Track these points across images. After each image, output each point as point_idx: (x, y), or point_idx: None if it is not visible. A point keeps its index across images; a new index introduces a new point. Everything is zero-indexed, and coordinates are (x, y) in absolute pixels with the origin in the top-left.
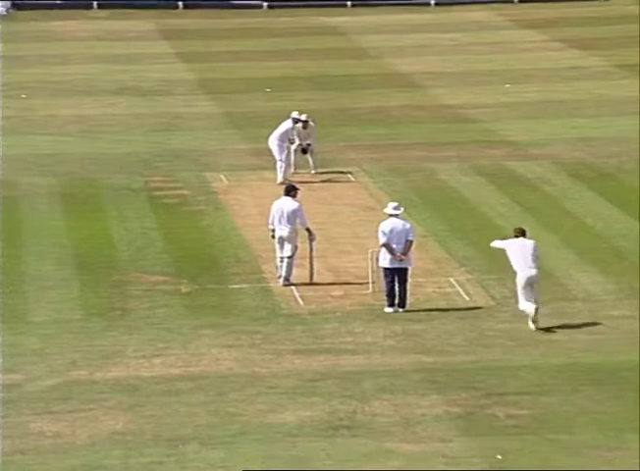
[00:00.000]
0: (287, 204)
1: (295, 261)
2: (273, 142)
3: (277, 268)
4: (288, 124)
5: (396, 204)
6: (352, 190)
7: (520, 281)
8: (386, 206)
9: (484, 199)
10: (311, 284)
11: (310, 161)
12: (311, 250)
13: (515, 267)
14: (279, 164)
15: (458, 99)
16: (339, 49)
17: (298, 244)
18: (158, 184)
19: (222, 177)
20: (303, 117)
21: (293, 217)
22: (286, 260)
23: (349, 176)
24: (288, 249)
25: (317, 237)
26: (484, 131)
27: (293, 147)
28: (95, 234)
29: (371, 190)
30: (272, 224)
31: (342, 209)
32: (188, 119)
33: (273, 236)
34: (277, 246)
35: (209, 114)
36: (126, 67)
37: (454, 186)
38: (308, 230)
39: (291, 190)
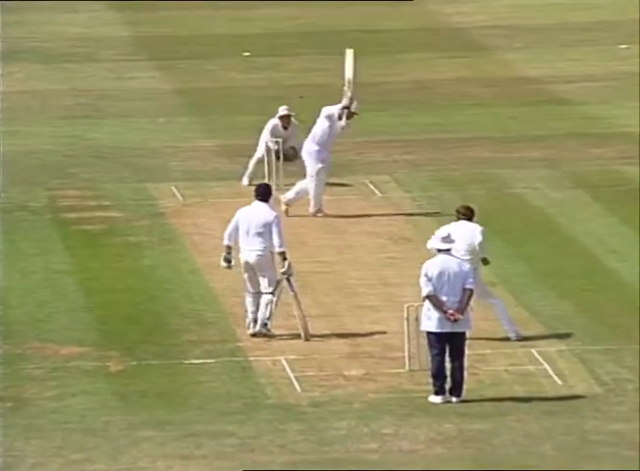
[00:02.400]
0: (258, 213)
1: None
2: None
3: (246, 311)
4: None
5: (446, 234)
6: (378, 211)
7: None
8: (431, 237)
9: (586, 226)
10: (308, 339)
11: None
12: (294, 291)
13: None
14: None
15: (545, 68)
16: None
17: (278, 276)
18: (72, 202)
19: (174, 190)
20: (283, 108)
21: (266, 232)
22: (265, 297)
23: (373, 188)
24: (265, 282)
25: (294, 271)
26: (586, 119)
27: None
28: None
29: (407, 211)
30: (229, 239)
31: (361, 240)
32: (121, 99)
33: (227, 260)
34: (244, 276)
35: (154, 91)
36: (22, 17)
37: (539, 205)
38: (284, 255)
39: (264, 192)
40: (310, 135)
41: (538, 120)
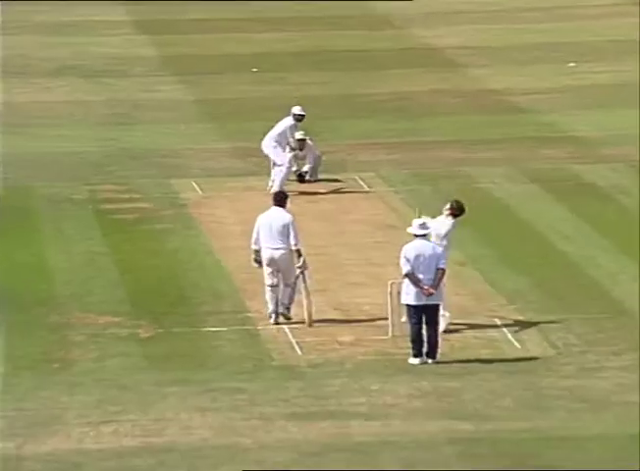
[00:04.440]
0: (276, 217)
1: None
2: (268, 146)
3: (267, 303)
4: (287, 121)
5: (422, 221)
6: (366, 203)
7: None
8: (410, 224)
9: (540, 215)
10: (310, 325)
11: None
12: (305, 282)
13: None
14: (277, 169)
15: (506, 82)
16: (348, 17)
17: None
18: (109, 195)
19: (194, 185)
20: (299, 134)
21: (285, 232)
22: (287, 288)
23: (362, 183)
24: (287, 276)
25: (309, 267)
26: (540, 125)
27: (291, 166)
28: (26, 261)
29: (390, 203)
30: (256, 243)
31: (351, 227)
32: (150, 108)
33: (257, 261)
34: (266, 271)
35: (177, 101)
36: (67, 39)
37: (501, 198)
38: (299, 252)
39: (281, 199)
40: (270, 136)
41: (499, 125)
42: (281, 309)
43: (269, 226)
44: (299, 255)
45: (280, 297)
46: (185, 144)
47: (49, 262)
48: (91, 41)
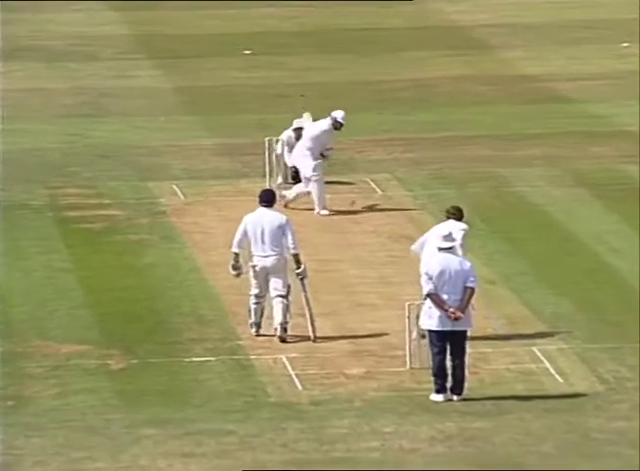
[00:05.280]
0: (268, 218)
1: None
2: (299, 155)
3: (249, 312)
4: (323, 125)
5: (447, 232)
6: (379, 210)
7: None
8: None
9: (586, 224)
10: (315, 340)
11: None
12: (305, 293)
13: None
14: (311, 184)
15: (545, 66)
16: None
17: (290, 281)
18: (73, 200)
19: (174, 188)
20: (297, 122)
21: (279, 236)
22: (279, 300)
23: (374, 186)
24: (279, 285)
25: (308, 274)
26: (586, 117)
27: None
28: None
29: (409, 209)
30: (238, 246)
31: (362, 239)
32: (122, 97)
33: (235, 268)
34: (253, 282)
35: (154, 90)
36: (23, 15)
37: (540, 204)
38: (297, 258)
39: (269, 198)
40: (307, 138)
41: (538, 118)
42: (279, 333)
43: (260, 229)
44: (298, 261)
45: (274, 313)
46: (163, 140)
47: (1, 280)
48: (52, 18)
